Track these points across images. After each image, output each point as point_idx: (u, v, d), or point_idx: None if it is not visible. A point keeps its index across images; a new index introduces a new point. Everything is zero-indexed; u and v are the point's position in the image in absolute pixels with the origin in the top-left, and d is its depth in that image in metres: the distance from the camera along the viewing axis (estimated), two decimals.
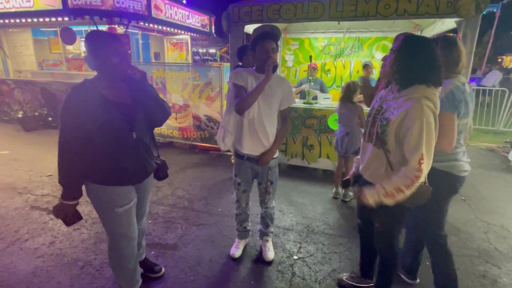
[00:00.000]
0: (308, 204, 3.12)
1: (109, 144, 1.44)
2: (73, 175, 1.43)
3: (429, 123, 1.25)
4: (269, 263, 2.20)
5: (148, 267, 2.01)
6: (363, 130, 1.68)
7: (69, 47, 6.65)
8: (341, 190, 3.29)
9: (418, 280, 2.00)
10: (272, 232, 2.31)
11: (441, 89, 1.66)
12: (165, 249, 2.33)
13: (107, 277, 2.02)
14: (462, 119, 1.56)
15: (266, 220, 2.22)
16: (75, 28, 5.94)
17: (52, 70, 6.73)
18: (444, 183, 1.61)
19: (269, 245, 2.30)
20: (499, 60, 28.93)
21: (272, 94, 1.88)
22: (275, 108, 1.93)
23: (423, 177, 1.29)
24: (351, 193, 3.22)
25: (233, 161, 2.16)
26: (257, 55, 1.83)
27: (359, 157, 1.68)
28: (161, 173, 1.81)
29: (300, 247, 2.39)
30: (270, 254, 2.24)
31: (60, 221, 2.68)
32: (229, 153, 4.46)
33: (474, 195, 3.40)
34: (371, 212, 1.62)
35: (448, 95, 1.51)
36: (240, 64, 3.45)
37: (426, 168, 1.28)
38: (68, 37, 5.83)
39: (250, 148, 1.96)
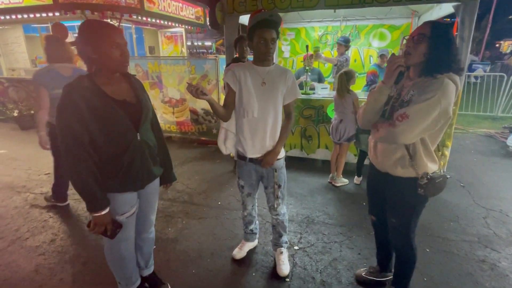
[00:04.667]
0: (308, 195, 3.13)
1: (111, 146, 1.33)
2: (90, 180, 1.28)
3: (440, 106, 1.24)
4: (283, 278, 1.96)
5: (153, 284, 1.84)
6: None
7: None
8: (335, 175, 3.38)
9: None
10: (286, 243, 2.10)
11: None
12: (166, 243, 2.34)
13: (110, 273, 2.01)
14: None
15: (278, 229, 2.02)
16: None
17: None
18: None
19: (284, 257, 2.04)
20: (497, 45, 28.68)
21: (274, 88, 1.69)
22: (278, 103, 1.73)
23: (390, 135, 1.33)
24: (345, 180, 3.39)
25: (232, 156, 2.01)
26: (254, 46, 1.61)
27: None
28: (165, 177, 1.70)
29: (300, 238, 2.41)
30: (284, 268, 1.99)
31: (60, 219, 2.71)
32: None
33: (473, 181, 3.41)
34: (387, 207, 1.59)
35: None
36: (237, 55, 3.43)
37: (401, 130, 1.28)
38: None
39: (253, 150, 1.79)
